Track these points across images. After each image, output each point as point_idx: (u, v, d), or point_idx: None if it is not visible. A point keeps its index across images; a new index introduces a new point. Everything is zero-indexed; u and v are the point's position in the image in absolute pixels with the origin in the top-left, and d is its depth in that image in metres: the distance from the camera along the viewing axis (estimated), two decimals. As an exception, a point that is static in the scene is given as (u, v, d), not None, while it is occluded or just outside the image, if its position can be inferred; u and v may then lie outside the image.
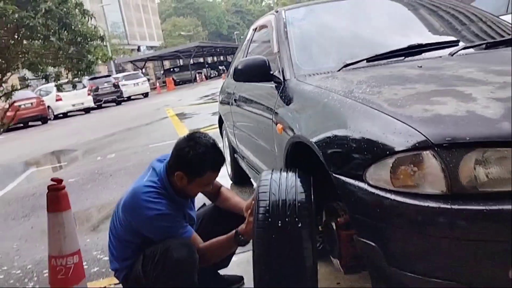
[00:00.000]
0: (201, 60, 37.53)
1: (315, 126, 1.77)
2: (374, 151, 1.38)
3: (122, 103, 22.38)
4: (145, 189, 1.86)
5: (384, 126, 1.40)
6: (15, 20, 1.61)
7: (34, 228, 4.09)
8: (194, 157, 1.83)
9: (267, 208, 1.54)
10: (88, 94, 19.63)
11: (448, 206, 1.19)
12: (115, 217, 1.96)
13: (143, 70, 32.54)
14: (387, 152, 1.33)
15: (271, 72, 2.37)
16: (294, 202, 1.54)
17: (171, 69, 35.47)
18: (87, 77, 23.57)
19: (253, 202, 1.75)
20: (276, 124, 2.19)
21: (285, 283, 1.52)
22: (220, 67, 37.89)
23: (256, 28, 3.49)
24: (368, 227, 1.41)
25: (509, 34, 2.42)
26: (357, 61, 2.13)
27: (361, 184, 1.41)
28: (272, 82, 2.40)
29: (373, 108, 1.50)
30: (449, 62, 1.96)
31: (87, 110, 19.59)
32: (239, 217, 1.96)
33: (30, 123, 16.77)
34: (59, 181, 1.66)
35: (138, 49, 46.12)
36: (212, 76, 34.65)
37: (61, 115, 18.84)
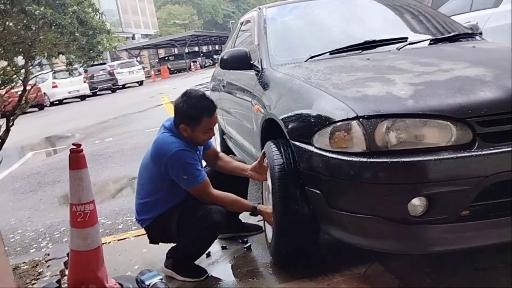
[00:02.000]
0: (196, 49, 37.84)
1: (281, 106, 2.23)
2: (319, 122, 1.84)
3: (117, 91, 22.74)
4: (165, 135, 2.26)
5: (327, 103, 1.86)
6: (51, 21, 2.01)
7: (42, 200, 4.54)
8: (189, 108, 2.21)
9: (282, 166, 2.00)
10: (84, 82, 19.94)
11: (367, 160, 1.65)
12: (139, 182, 2.39)
13: (138, 58, 32.77)
14: (327, 122, 1.79)
15: (252, 62, 2.82)
16: (294, 163, 1.99)
17: (166, 58, 35.74)
18: (78, 66, 23.90)
19: (261, 163, 2.34)
20: (254, 105, 2.65)
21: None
22: (215, 56, 38.10)
23: (243, 22, 3.94)
24: (315, 179, 1.88)
25: (454, 32, 2.88)
26: (321, 54, 2.58)
27: (310, 147, 1.88)
28: (253, 70, 2.85)
29: (322, 90, 1.96)
30: (392, 55, 2.41)
31: (82, 97, 19.92)
32: (235, 179, 2.47)
33: (27, 110, 17.04)
34: (79, 145, 2.09)
35: (133, 37, 46.14)
36: (207, 65, 34.93)
37: (57, 102, 19.15)
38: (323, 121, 1.82)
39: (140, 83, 24.81)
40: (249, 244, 2.56)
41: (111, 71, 22.68)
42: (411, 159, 1.59)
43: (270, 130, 2.45)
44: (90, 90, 20.94)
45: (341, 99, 1.82)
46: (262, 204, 2.51)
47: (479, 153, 1.57)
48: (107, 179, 5.00)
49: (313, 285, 2.02)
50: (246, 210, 2.36)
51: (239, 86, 3.31)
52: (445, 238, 1.66)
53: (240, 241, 2.61)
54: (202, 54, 37.19)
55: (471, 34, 2.88)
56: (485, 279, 1.92)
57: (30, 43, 2.20)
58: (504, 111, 1.61)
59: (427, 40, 2.68)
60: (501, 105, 1.62)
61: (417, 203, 1.63)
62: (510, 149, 1.57)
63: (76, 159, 2.07)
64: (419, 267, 2.08)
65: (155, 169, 2.26)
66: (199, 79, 19.82)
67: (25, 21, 2.10)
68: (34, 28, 2.17)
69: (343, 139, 1.74)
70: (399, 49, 2.53)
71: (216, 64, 5.08)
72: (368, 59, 2.35)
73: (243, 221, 2.72)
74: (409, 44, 2.59)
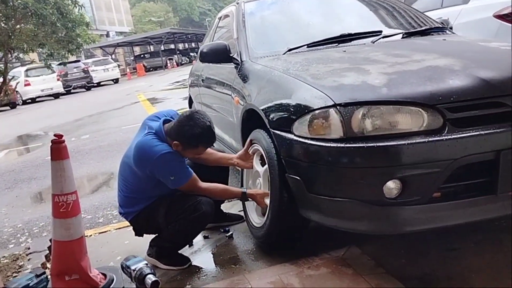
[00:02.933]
0: (172, 46, 37.44)
1: (262, 96, 2.29)
2: (298, 110, 1.91)
3: (92, 88, 22.37)
4: (149, 137, 2.20)
5: (305, 93, 1.93)
6: (32, 11, 2.00)
7: (18, 197, 4.49)
8: (191, 136, 2.16)
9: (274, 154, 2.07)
10: (58, 80, 19.53)
11: (344, 145, 1.73)
12: (121, 177, 2.38)
13: (113, 56, 32.34)
14: (306, 111, 1.86)
15: (231, 55, 2.87)
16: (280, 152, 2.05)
17: (142, 56, 35.27)
18: (56, 62, 23.45)
19: (246, 152, 2.41)
20: (234, 98, 2.70)
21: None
22: (191, 54, 37.86)
23: (221, 17, 3.98)
24: (295, 166, 1.95)
25: (426, 26, 2.99)
26: (298, 47, 2.65)
27: (290, 135, 1.94)
28: (232, 63, 2.90)
29: (300, 80, 2.03)
30: (367, 47, 2.50)
31: (56, 96, 19.51)
32: (216, 170, 2.51)
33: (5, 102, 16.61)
34: (60, 136, 2.10)
35: (107, 35, 45.42)
36: (183, 62, 34.70)
37: (30, 101, 18.73)
38: (302, 110, 1.89)
39: (116, 81, 24.47)
40: (231, 233, 2.61)
41: (86, 69, 22.29)
42: (386, 143, 1.67)
43: (250, 121, 2.51)
44: (64, 88, 20.53)
45: (319, 88, 1.89)
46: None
47: (449, 137, 1.66)
48: (85, 175, 4.97)
49: (294, 268, 2.09)
50: (235, 197, 2.42)
51: (218, 80, 3.35)
52: (418, 219, 1.75)
53: (222, 230, 2.66)
54: (178, 52, 36.87)
55: (442, 28, 3.00)
56: (457, 258, 2.03)
57: (10, 34, 2.19)
58: (472, 97, 1.71)
59: (400, 33, 2.78)
60: (469, 92, 1.72)
61: (391, 186, 1.71)
62: (477, 133, 1.67)
63: (58, 150, 2.08)
64: (393, 249, 2.18)
65: (139, 171, 2.24)
66: (176, 76, 19.72)
67: (5, 11, 2.09)
68: (13, 20, 2.16)
69: (321, 126, 1.81)
70: (374, 42, 2.62)
71: (193, 61, 5.10)
72: (344, 51, 2.43)
73: (224, 211, 2.77)
74: (383, 37, 2.69)
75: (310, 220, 2.05)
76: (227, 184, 2.67)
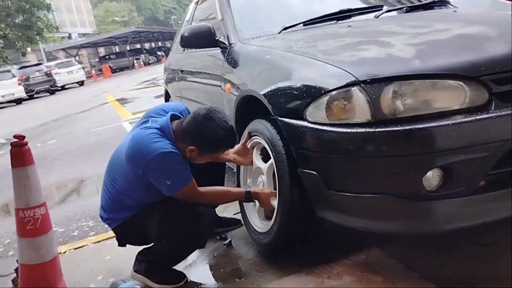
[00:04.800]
0: (138, 46, 36.49)
1: (261, 80, 1.97)
2: (311, 92, 1.60)
3: (56, 92, 21.40)
4: (148, 131, 1.81)
5: (319, 71, 1.63)
6: None
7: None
8: (214, 139, 1.80)
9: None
10: (19, 84, 18.59)
11: (374, 130, 1.43)
12: (108, 177, 1.99)
13: (77, 58, 31.11)
14: (322, 92, 1.55)
15: (217, 38, 2.53)
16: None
17: (107, 56, 34.15)
18: (16, 66, 22.36)
19: (244, 146, 2.08)
20: (225, 85, 2.37)
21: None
22: (158, 53, 37.10)
23: (198, 1, 3.62)
24: (310, 159, 1.64)
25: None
26: (295, 25, 2.34)
27: (302, 123, 1.63)
28: (218, 48, 2.56)
29: (310, 57, 1.72)
30: (374, 22, 2.22)
31: (18, 101, 18.57)
32: (210, 167, 2.10)
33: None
34: (22, 137, 1.73)
35: (69, 37, 43.89)
36: (151, 62, 33.89)
37: (-11, 108, 17.77)
38: (316, 91, 1.58)
39: (81, 83, 23.55)
40: (229, 240, 2.28)
41: (48, 72, 21.25)
42: (426, 125, 1.39)
43: (245, 111, 2.20)
44: (27, 93, 19.50)
45: (335, 64, 1.59)
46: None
47: (499, 114, 1.39)
48: (54, 183, 4.52)
49: (312, 279, 1.79)
50: (239, 199, 2.07)
51: (202, 69, 3.01)
52: (463, 214, 1.48)
53: (218, 237, 2.32)
54: (145, 51, 35.98)
55: (444, 2, 2.75)
56: (495, 255, 1.77)
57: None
58: (520, 67, 1.45)
59: (404, 7, 2.51)
60: (516, 60, 1.46)
61: (432, 176, 1.43)
62: (529, 108, 1.40)
63: (20, 154, 1.71)
64: (421, 249, 1.90)
65: (131, 169, 1.85)
66: (145, 75, 19.13)
67: None
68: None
69: (343, 109, 1.51)
70: (377, 17, 2.34)
71: (164, 59, 4.72)
72: (349, 26, 2.14)
73: (219, 215, 2.44)
74: (387, 11, 2.41)
75: (327, 221, 1.75)
76: (223, 183, 2.34)
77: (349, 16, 2.41)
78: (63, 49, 32.73)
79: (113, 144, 5.82)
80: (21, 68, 20.14)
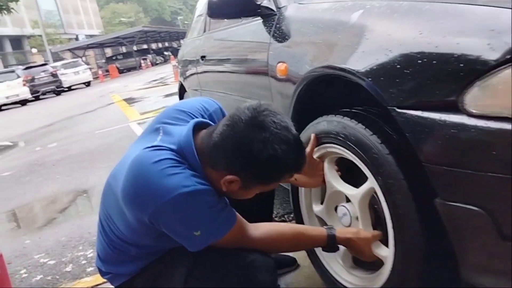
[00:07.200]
0: (145, 46, 35.91)
1: (351, 51, 1.23)
2: (474, 66, 0.86)
3: (62, 93, 20.81)
4: (155, 155, 1.09)
5: (487, 27, 0.88)
6: None
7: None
8: (268, 163, 1.04)
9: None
10: (24, 85, 18.03)
11: None
12: (103, 211, 1.27)
13: (83, 59, 30.54)
14: (499, 62, 0.82)
15: (258, 3, 1.81)
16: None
17: (114, 57, 33.52)
18: (21, 67, 21.75)
19: (311, 157, 1.34)
20: (276, 65, 1.63)
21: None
22: (165, 53, 36.53)
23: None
24: (468, 184, 0.90)
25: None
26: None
27: (454, 117, 0.90)
28: (259, 18, 1.84)
29: (464, 3, 0.98)
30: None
31: (23, 102, 18.01)
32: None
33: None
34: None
35: (77, 38, 43.45)
36: (158, 62, 33.27)
37: (-8, 110, 17.24)
38: (485, 62, 0.85)
39: (88, 84, 22.96)
40: (284, 291, 1.55)
41: (54, 72, 20.65)
42: None
43: (309, 104, 1.47)
44: (32, 94, 18.91)
45: (521, 9, 0.85)
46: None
47: None
48: (50, 195, 3.81)
49: None
50: (316, 246, 1.34)
51: (234, 51, 2.29)
52: None
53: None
54: (152, 51, 35.39)
55: None
56: None
57: None
58: None
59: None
60: None
61: None
62: None
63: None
64: None
65: (131, 215, 1.14)
66: (152, 75, 18.53)
67: None
68: None
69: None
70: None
71: (172, 57, 4.01)
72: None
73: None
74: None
75: (483, 285, 1.01)
76: (271, 214, 1.61)
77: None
78: (69, 50, 32.21)
79: (119, 148, 5.15)
80: (26, 68, 19.61)
